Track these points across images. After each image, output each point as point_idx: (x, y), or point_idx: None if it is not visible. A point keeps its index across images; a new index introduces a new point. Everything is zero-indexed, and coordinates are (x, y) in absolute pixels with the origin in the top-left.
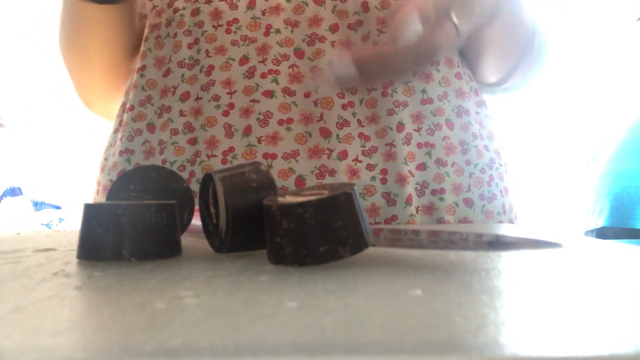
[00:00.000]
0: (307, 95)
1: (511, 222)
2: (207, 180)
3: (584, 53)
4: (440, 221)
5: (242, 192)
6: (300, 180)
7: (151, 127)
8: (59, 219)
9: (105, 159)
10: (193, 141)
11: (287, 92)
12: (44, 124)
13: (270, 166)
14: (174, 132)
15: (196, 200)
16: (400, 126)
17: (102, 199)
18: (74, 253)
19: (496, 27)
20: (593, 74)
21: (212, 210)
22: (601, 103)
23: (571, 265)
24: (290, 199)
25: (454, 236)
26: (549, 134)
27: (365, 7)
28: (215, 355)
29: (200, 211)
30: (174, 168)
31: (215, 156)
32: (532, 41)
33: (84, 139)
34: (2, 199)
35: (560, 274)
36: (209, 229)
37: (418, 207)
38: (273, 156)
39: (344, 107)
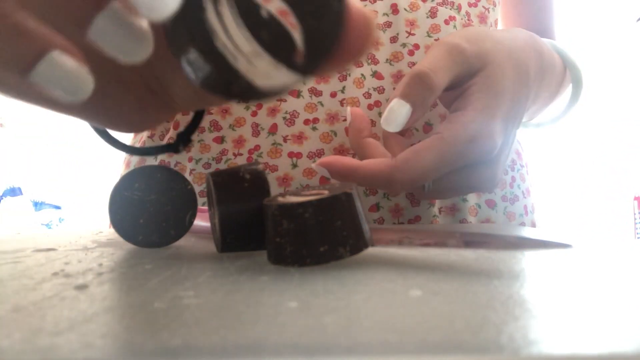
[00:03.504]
0: (333, 95)
1: (533, 223)
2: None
3: (584, 53)
4: (463, 222)
5: (230, 192)
6: (325, 179)
7: (176, 125)
8: (59, 219)
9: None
10: (220, 139)
11: (314, 92)
12: (44, 123)
13: (295, 165)
14: (201, 130)
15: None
16: (428, 127)
17: None
18: (74, 253)
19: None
20: (592, 74)
21: (211, 210)
22: (601, 102)
23: (575, 266)
24: (290, 199)
25: (464, 237)
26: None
27: (395, 9)
28: (215, 355)
29: (191, 211)
30: (200, 165)
31: (241, 154)
32: (564, 81)
33: (84, 139)
34: (2, 199)
35: (563, 274)
36: (214, 228)
37: (441, 208)
38: (298, 155)
39: (369, 107)
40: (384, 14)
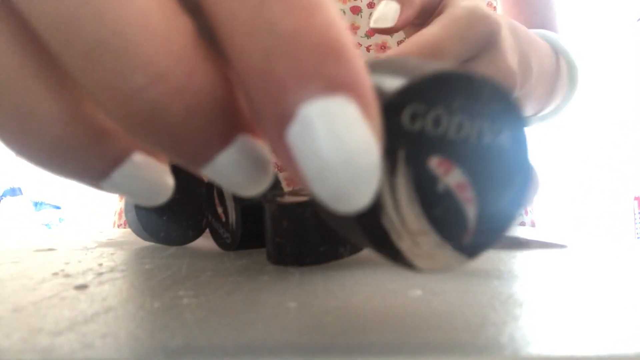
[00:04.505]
0: None
1: (532, 223)
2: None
3: (584, 53)
4: None
5: None
6: None
7: None
8: (59, 219)
9: None
10: None
11: None
12: None
13: None
14: None
15: None
16: None
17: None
18: (74, 253)
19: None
20: (593, 73)
21: (219, 209)
22: (601, 102)
23: (573, 266)
24: (290, 199)
25: None
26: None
27: None
28: (215, 355)
29: (205, 215)
30: None
31: None
32: (559, 78)
33: None
34: (2, 199)
35: (561, 274)
36: (216, 229)
37: None
38: None
39: None
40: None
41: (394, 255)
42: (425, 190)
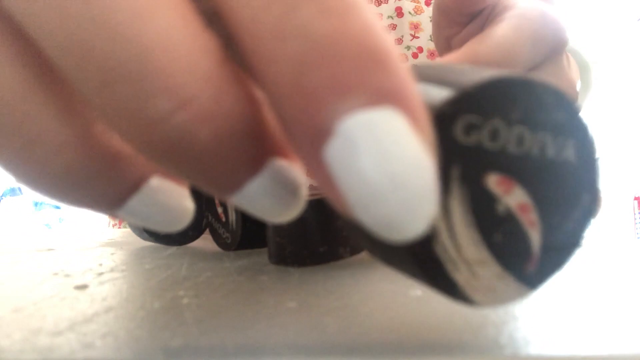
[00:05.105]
0: None
1: None
2: None
3: (584, 52)
4: None
5: None
6: None
7: None
8: (59, 219)
9: None
10: None
11: None
12: None
13: None
14: None
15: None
16: None
17: None
18: (74, 253)
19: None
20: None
21: (219, 209)
22: (601, 102)
23: (572, 266)
24: None
25: None
26: None
27: (399, 12)
28: (215, 355)
29: (205, 215)
30: None
31: None
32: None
33: None
34: (2, 199)
35: (561, 274)
36: (216, 229)
37: None
38: None
39: None
40: (389, 17)
41: (449, 288)
42: (484, 212)
